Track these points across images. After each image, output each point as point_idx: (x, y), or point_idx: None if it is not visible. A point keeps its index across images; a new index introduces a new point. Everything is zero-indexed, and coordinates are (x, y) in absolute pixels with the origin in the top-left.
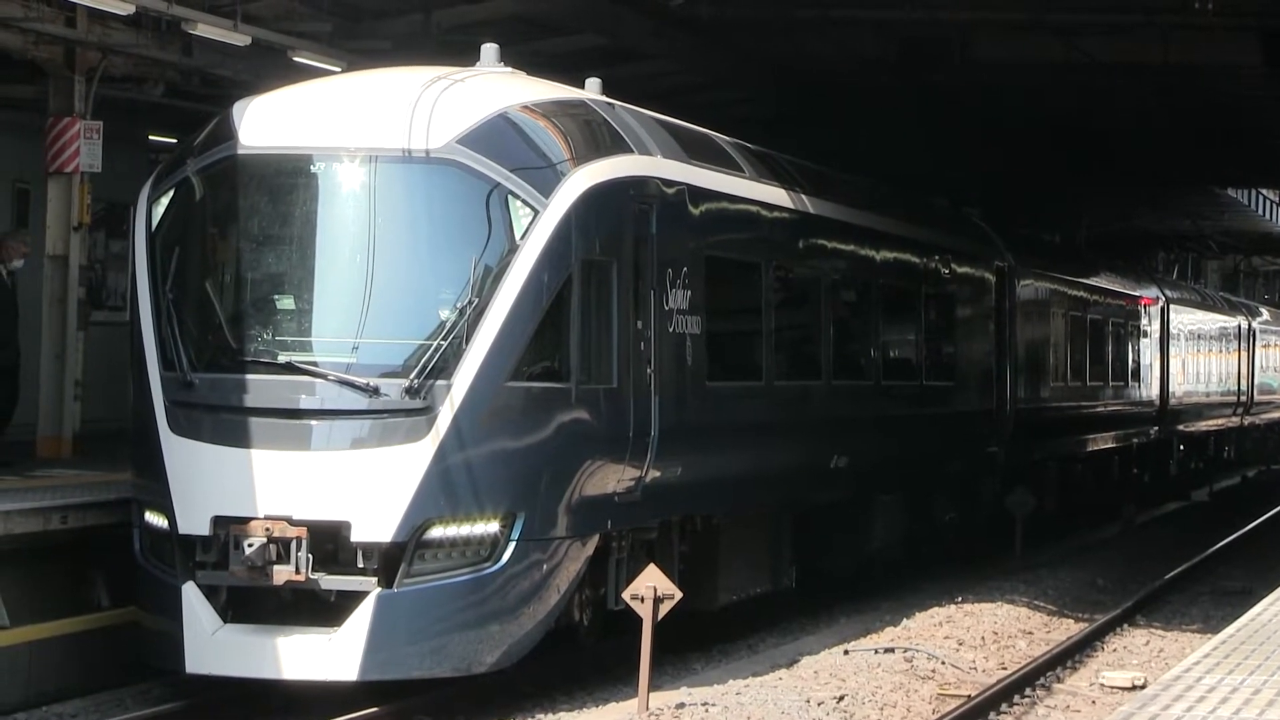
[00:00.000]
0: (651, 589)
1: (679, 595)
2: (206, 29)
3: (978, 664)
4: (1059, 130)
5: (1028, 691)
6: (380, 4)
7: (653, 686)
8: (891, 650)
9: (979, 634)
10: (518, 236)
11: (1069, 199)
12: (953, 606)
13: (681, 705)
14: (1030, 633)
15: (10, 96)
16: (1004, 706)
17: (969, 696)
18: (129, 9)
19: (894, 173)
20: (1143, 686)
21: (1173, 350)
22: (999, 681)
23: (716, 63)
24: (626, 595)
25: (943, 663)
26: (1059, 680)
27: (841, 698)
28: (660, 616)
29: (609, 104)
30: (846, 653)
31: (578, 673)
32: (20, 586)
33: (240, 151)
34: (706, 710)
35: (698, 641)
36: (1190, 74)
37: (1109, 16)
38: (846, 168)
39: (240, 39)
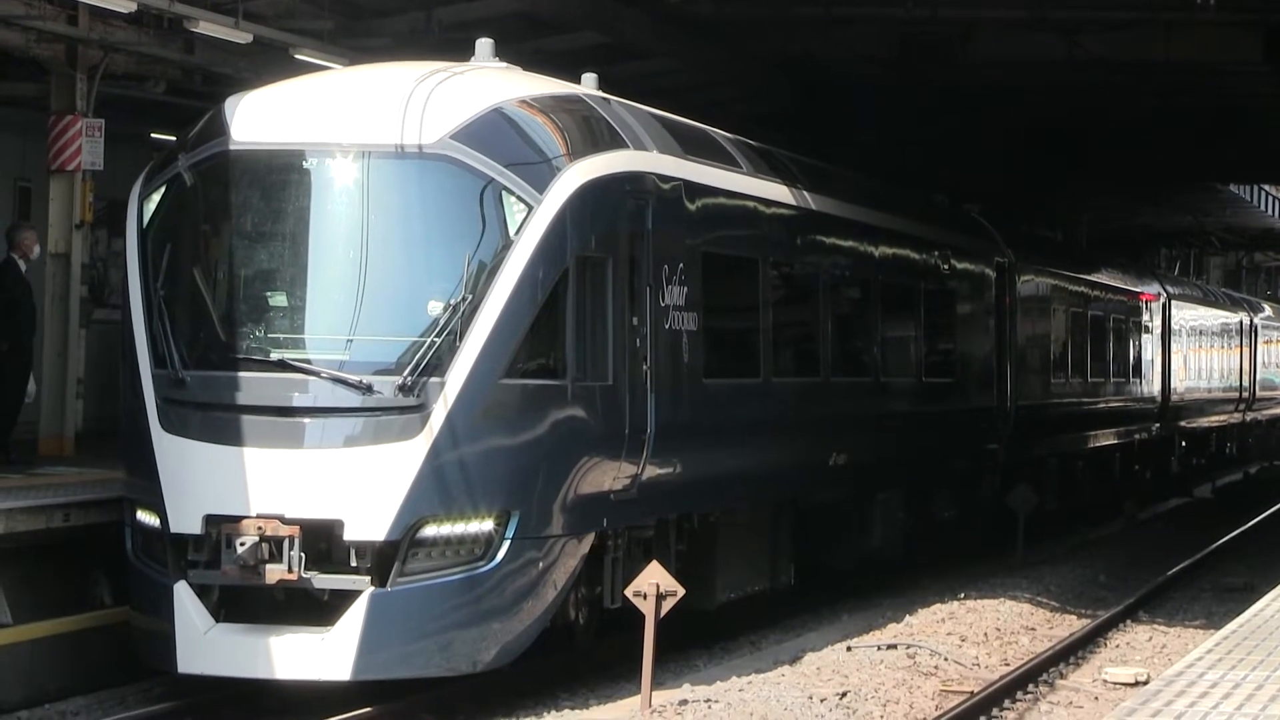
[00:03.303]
0: (654, 586)
1: (681, 592)
2: (208, 27)
3: (980, 660)
4: (1060, 127)
5: (1030, 688)
6: (381, 2)
7: (655, 683)
8: (894, 646)
9: (982, 630)
10: (512, 232)
11: (1071, 196)
12: (955, 603)
13: (684, 702)
14: (1033, 629)
15: (12, 94)
16: (1007, 703)
17: (972, 693)
18: (131, 7)
19: (895, 170)
20: (1145, 682)
21: (1174, 346)
22: (1002, 678)
23: (717, 61)
24: (629, 592)
25: (945, 659)
26: (1062, 676)
27: (844, 694)
28: (663, 613)
29: (604, 99)
30: (849, 649)
31: (580, 670)
32: (23, 584)
33: (232, 147)
34: (709, 707)
35: (700, 638)
36: (1192, 70)
37: (1110, 13)
38: (848, 165)
39: (242, 37)
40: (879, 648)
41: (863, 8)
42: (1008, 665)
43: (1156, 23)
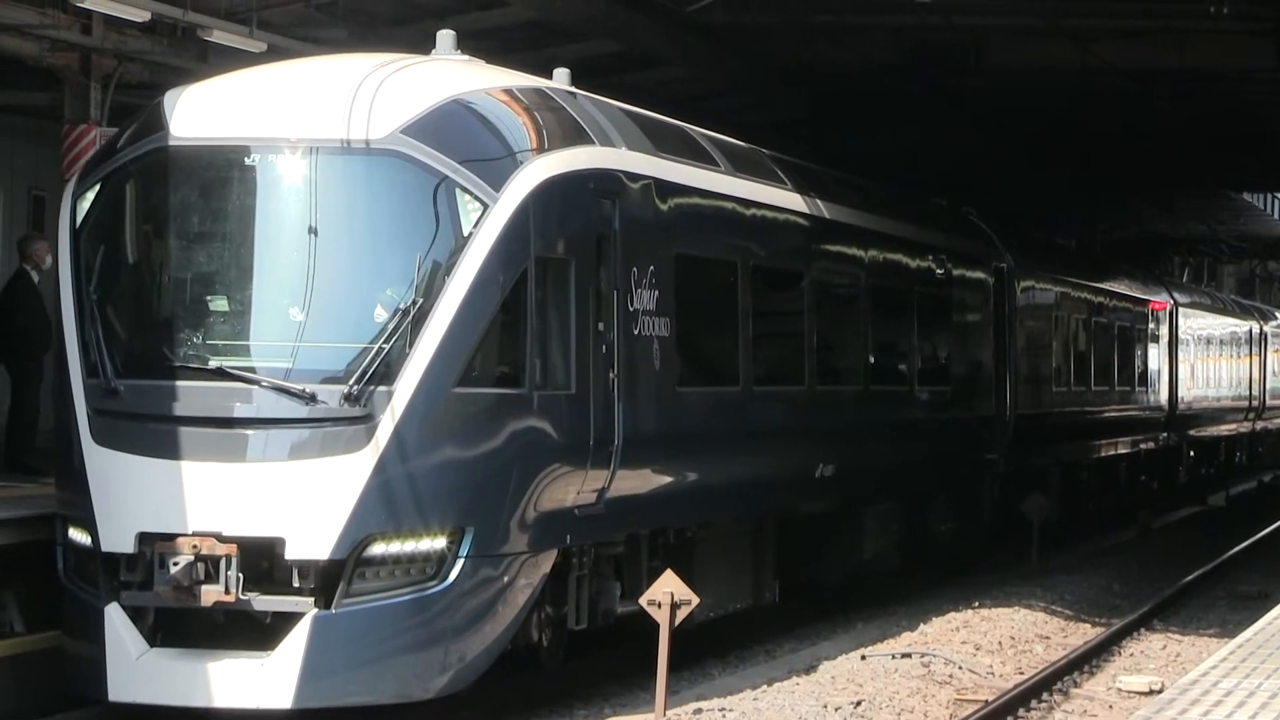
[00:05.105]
0: (668, 595)
1: (696, 601)
2: (222, 35)
3: (995, 669)
4: (1073, 135)
5: (1045, 696)
6: (395, 11)
7: (670, 692)
8: (909, 655)
9: (996, 639)
10: (466, 232)
11: (1084, 203)
12: (969, 611)
13: (699, 711)
14: (1047, 637)
15: (26, 103)
16: (1021, 711)
17: (986, 701)
18: (145, 16)
19: (908, 177)
20: (1160, 691)
21: (1182, 355)
22: (1016, 686)
23: (731, 68)
24: (643, 601)
25: (960, 667)
26: (1076, 685)
27: (859, 703)
28: (677, 622)
29: (570, 93)
30: (864, 658)
31: (597, 679)
32: (34, 592)
33: (171, 143)
34: (724, 716)
35: (715, 648)
36: (1205, 78)
37: (1124, 22)
38: (860, 172)
39: (256, 45)
40: (893, 656)
41: (876, 16)
42: (1022, 674)
43: (1169, 30)
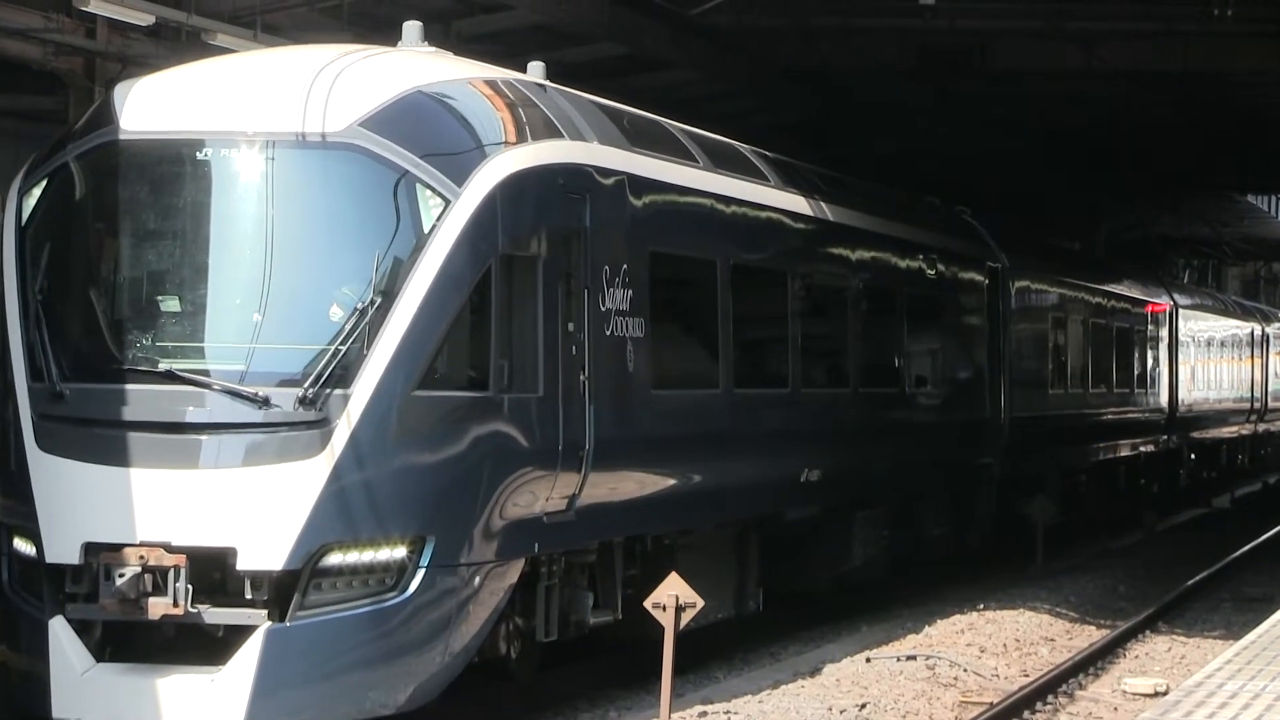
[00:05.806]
0: (673, 598)
1: (701, 604)
2: (226, 39)
3: (1000, 671)
4: (1078, 137)
5: (1050, 698)
6: (400, 14)
7: (675, 695)
8: (914, 658)
9: (1001, 641)
10: (426, 229)
11: (1088, 205)
12: (974, 614)
13: (704, 714)
14: (1052, 640)
15: (31, 108)
16: (1026, 713)
17: (991, 704)
18: (149, 20)
19: (912, 180)
20: (1165, 693)
21: (1182, 357)
22: (1021, 689)
23: (737, 71)
24: (648, 604)
25: (965, 670)
26: (1081, 687)
27: (864, 705)
28: (683, 625)
29: (540, 85)
30: (869, 660)
31: (603, 680)
32: None
33: (121, 136)
34: (729, 718)
35: (720, 650)
36: (1209, 80)
37: (1128, 24)
38: (866, 175)
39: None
40: (898, 659)
41: (880, 18)
42: (1027, 676)
43: (1173, 33)
